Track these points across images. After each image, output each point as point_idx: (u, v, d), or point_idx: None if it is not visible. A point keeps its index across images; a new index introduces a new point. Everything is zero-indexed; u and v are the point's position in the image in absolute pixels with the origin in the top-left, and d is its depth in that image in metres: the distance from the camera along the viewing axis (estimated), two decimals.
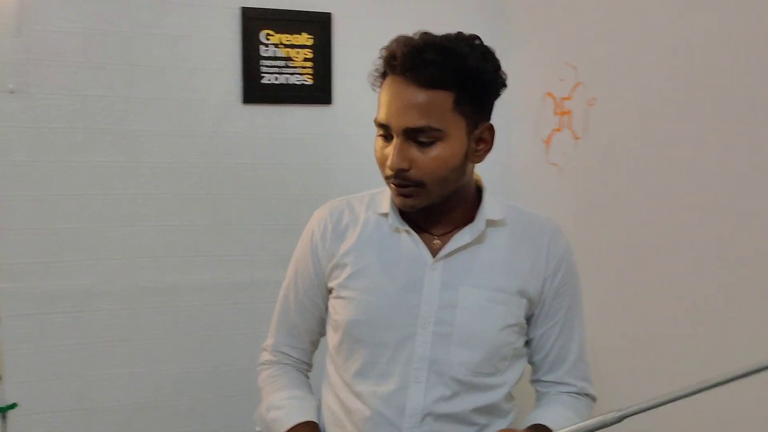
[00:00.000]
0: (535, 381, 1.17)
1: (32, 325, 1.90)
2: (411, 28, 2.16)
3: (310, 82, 2.06)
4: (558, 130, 1.98)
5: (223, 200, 2.04)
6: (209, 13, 2.01)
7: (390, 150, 0.98)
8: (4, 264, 1.87)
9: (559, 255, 1.10)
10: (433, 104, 0.96)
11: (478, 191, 1.10)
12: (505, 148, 2.29)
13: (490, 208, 1.08)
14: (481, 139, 1.03)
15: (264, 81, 2.02)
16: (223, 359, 2.05)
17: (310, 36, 2.05)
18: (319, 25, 2.05)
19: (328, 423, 1.12)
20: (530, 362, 1.16)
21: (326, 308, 1.15)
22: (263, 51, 2.02)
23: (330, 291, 1.13)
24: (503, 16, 2.25)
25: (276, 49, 2.03)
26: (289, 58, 2.04)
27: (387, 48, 1.00)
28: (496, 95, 1.04)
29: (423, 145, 0.97)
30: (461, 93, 0.96)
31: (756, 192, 1.29)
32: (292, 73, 2.04)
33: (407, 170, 0.98)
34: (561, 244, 1.12)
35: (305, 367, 1.21)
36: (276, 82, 2.04)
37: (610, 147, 1.75)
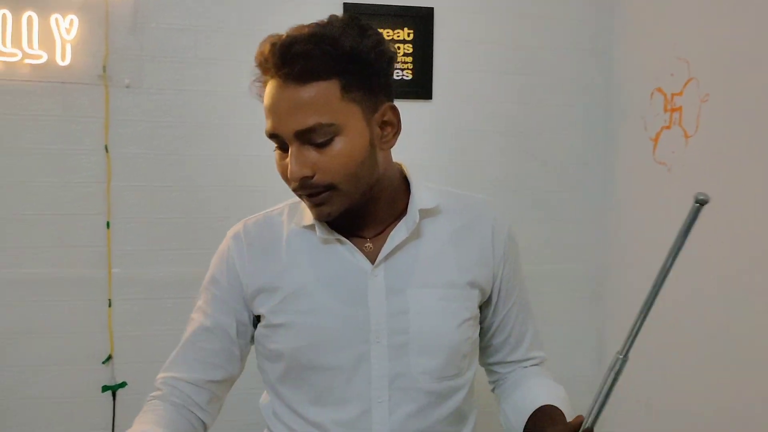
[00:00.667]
0: (495, 363, 1.12)
1: (140, 309, 2.00)
2: (513, 22, 2.16)
3: (409, 76, 2.08)
4: (667, 127, 1.92)
5: None
6: (312, 9, 2.04)
7: (288, 160, 0.89)
8: (116, 250, 1.98)
9: (504, 238, 1.05)
10: (317, 98, 0.87)
11: (405, 182, 1.02)
12: (607, 146, 2.24)
13: (420, 197, 0.99)
14: (385, 122, 0.94)
15: None
16: None
17: (410, 30, 2.07)
18: (421, 19, 2.06)
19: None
20: (486, 346, 1.11)
21: (239, 339, 1.03)
22: None
23: (257, 319, 1.02)
24: (610, 8, 2.19)
25: None
26: None
27: (257, 51, 0.91)
28: (387, 72, 0.93)
29: (321, 146, 0.88)
30: (345, 79, 0.88)
31: None
32: (381, 43, 2.06)
33: (311, 177, 0.89)
34: (504, 224, 1.06)
35: (197, 410, 1.01)
36: None
37: (723, 146, 1.68)
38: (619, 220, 2.17)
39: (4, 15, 1.88)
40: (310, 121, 0.86)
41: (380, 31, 1.99)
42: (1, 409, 1.93)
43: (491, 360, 1.12)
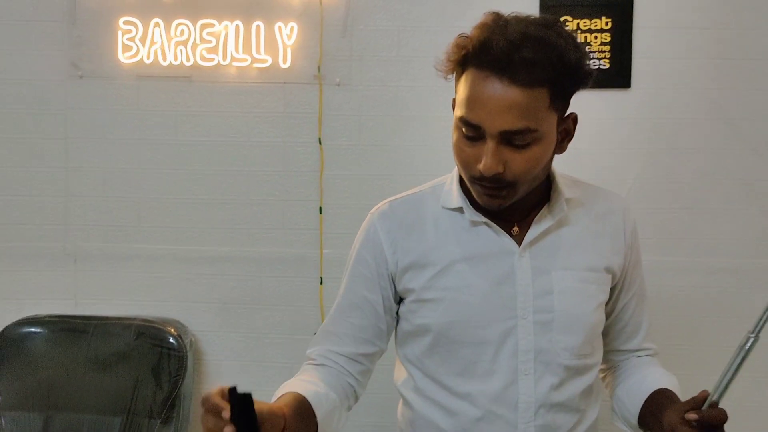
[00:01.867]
0: (610, 350, 1.18)
1: None
2: (720, 7, 2.10)
3: (606, 65, 2.11)
4: None
5: None
6: (510, 3, 2.14)
7: (478, 151, 0.95)
8: (327, 233, 2.23)
9: (633, 228, 1.12)
10: (531, 104, 0.92)
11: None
12: None
13: (565, 187, 1.07)
14: (566, 131, 1.01)
15: None
16: None
17: (608, 20, 2.10)
18: (620, 8, 2.08)
19: (420, 426, 1.10)
20: (604, 332, 1.14)
21: (386, 315, 1.11)
22: None
23: (403, 294, 1.09)
24: None
25: (574, 35, 2.11)
26: (587, 43, 2.10)
27: (473, 37, 0.95)
28: (585, 86, 0.99)
29: (518, 147, 0.94)
30: (556, 89, 0.93)
31: None
32: (590, 58, 2.11)
33: (502, 173, 0.95)
34: (632, 216, 1.13)
35: (351, 379, 1.11)
36: None
37: None
38: None
39: (237, 26, 2.19)
40: (520, 124, 0.93)
41: (577, 20, 2.05)
42: (236, 369, 2.27)
43: (607, 347, 1.18)
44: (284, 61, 2.20)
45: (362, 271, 1.12)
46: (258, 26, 2.18)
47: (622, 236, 1.12)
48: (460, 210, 1.08)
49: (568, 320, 1.05)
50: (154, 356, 2.05)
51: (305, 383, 1.03)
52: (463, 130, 0.98)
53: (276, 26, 2.19)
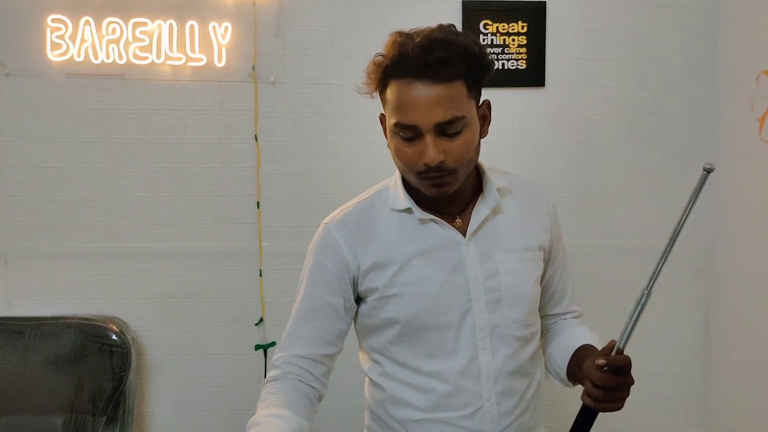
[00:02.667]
0: (542, 316, 1.34)
1: (288, 277, 2.34)
2: (624, 14, 2.36)
3: (524, 66, 2.32)
4: None
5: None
6: (434, 8, 2.32)
7: (418, 149, 1.09)
8: (266, 227, 2.34)
9: (552, 206, 1.31)
10: (453, 96, 1.07)
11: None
12: (714, 126, 2.41)
13: (494, 178, 1.23)
14: (483, 116, 1.17)
15: None
16: None
17: (524, 24, 2.31)
18: (534, 13, 2.30)
19: (392, 405, 1.22)
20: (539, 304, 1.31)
21: (347, 316, 1.21)
22: (482, 39, 2.31)
23: (364, 294, 1.20)
24: None
25: (493, 37, 2.31)
26: (505, 45, 2.31)
27: (388, 54, 1.09)
28: (491, 72, 1.14)
29: (451, 136, 1.09)
30: (470, 79, 1.09)
31: None
32: (507, 59, 2.32)
33: (444, 161, 1.08)
34: (550, 197, 1.32)
35: (314, 382, 1.19)
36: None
37: None
38: (727, 196, 2.35)
39: (170, 25, 2.24)
40: (449, 114, 1.07)
41: (497, 24, 2.24)
42: (176, 363, 2.33)
43: (540, 313, 1.34)
44: (219, 60, 2.27)
45: (323, 277, 1.21)
46: (192, 25, 2.25)
47: (546, 215, 1.29)
48: (408, 210, 1.20)
49: (514, 296, 1.20)
50: (96, 354, 2.10)
51: (279, 423, 1.08)
52: (400, 134, 1.10)
53: (210, 26, 2.26)
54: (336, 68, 2.32)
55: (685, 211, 0.99)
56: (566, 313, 1.38)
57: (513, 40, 2.31)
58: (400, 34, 1.11)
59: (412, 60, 1.06)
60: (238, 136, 2.31)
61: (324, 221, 1.27)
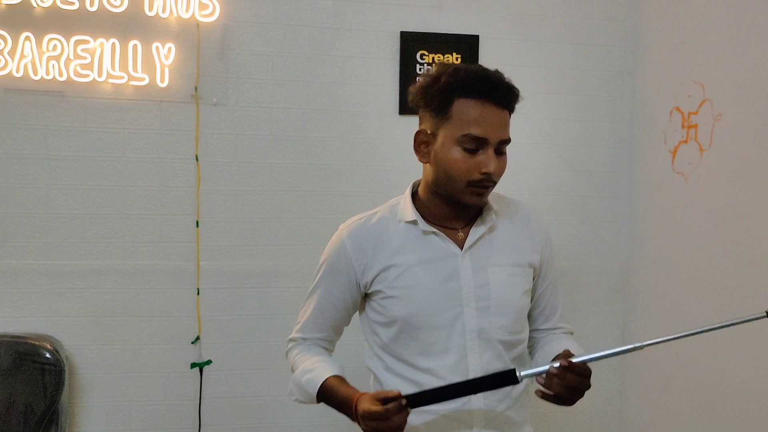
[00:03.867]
0: (533, 330, 1.51)
1: (225, 296, 2.42)
2: (551, 49, 2.56)
3: None
4: (684, 142, 2.30)
5: (381, 198, 2.46)
6: (373, 37, 2.47)
7: (478, 160, 1.28)
8: (204, 246, 2.40)
9: (545, 229, 1.48)
10: (508, 122, 1.33)
11: None
12: (632, 156, 2.62)
13: (493, 201, 1.42)
14: None
15: None
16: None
17: (458, 55, 2.47)
18: (468, 46, 2.47)
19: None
20: (528, 316, 1.48)
21: (352, 310, 1.44)
22: (418, 69, 2.46)
23: (371, 293, 1.39)
24: (636, 35, 2.58)
25: (429, 66, 2.47)
26: None
27: (466, 74, 1.28)
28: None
29: (500, 154, 1.32)
30: (510, 112, 1.34)
31: None
32: None
33: (494, 174, 1.30)
34: (544, 220, 1.50)
35: (329, 348, 1.49)
36: None
37: (733, 159, 2.05)
38: (643, 222, 2.56)
39: (113, 44, 2.30)
40: (507, 135, 1.32)
41: (432, 55, 2.38)
42: (109, 382, 2.35)
43: (531, 327, 1.51)
44: (162, 80, 2.34)
45: (335, 277, 1.42)
46: (135, 45, 2.31)
47: (537, 238, 1.46)
48: (414, 222, 1.38)
49: (502, 305, 1.37)
50: (29, 372, 2.11)
51: (329, 362, 1.40)
52: (465, 145, 1.29)
53: (153, 46, 2.33)
54: (277, 92, 2.43)
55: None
56: (556, 329, 1.53)
57: None
58: (449, 64, 1.35)
59: (491, 83, 1.29)
60: (179, 156, 2.38)
61: (341, 226, 1.46)
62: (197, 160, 2.38)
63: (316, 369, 1.37)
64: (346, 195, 2.47)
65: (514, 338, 1.41)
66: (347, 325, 1.51)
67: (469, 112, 1.28)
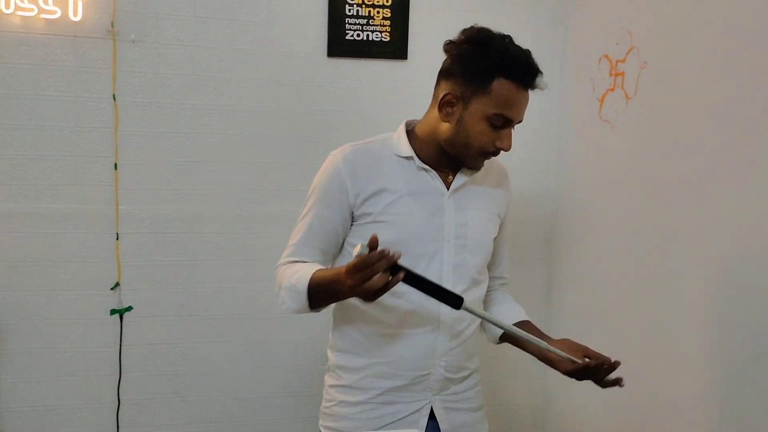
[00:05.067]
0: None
1: (146, 241, 2.38)
2: None
3: (387, 38, 2.46)
4: (612, 89, 2.33)
5: (308, 142, 2.47)
6: None
7: (497, 135, 1.41)
8: (123, 189, 2.35)
9: (510, 185, 1.66)
10: None
11: None
12: (561, 105, 2.65)
13: None
14: None
15: (347, 37, 2.43)
16: None
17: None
18: None
19: (361, 321, 1.50)
20: None
21: (342, 234, 1.50)
22: (348, 10, 2.42)
23: (358, 217, 1.47)
24: None
25: (359, 8, 2.43)
26: (370, 17, 2.43)
27: (516, 59, 1.38)
28: None
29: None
30: None
31: None
32: (372, 31, 2.44)
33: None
34: (511, 180, 1.66)
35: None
36: (357, 39, 2.44)
37: (657, 107, 2.09)
38: (570, 171, 2.60)
39: None
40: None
41: None
42: (24, 329, 2.31)
43: None
44: (75, 14, 2.25)
45: (328, 201, 1.47)
46: None
47: (506, 193, 1.64)
48: (409, 158, 1.48)
49: (476, 245, 1.51)
50: None
51: (309, 265, 1.45)
52: (494, 122, 1.40)
53: None
54: (200, 30, 2.36)
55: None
56: (500, 277, 1.73)
57: (378, 12, 2.44)
58: (498, 34, 1.44)
59: (532, 71, 1.38)
60: (95, 95, 2.31)
61: (334, 152, 1.50)
62: (115, 99, 2.32)
63: (304, 269, 1.42)
64: (273, 138, 2.45)
65: (481, 277, 1.57)
66: (335, 252, 1.54)
67: (507, 94, 1.38)
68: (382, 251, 1.20)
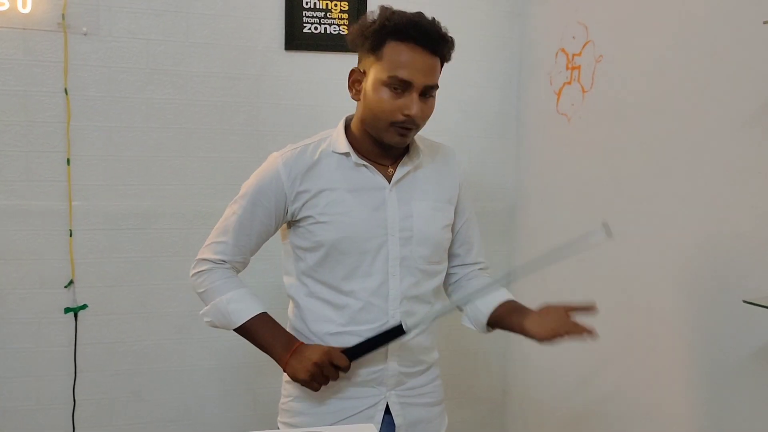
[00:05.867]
0: (456, 266, 1.68)
1: (100, 238, 2.36)
2: None
3: (345, 32, 2.46)
4: (568, 83, 2.37)
5: (266, 136, 2.47)
6: None
7: (402, 102, 1.38)
8: (77, 185, 2.32)
9: (462, 168, 1.64)
10: (437, 68, 1.42)
11: None
12: (519, 98, 2.69)
13: (419, 142, 1.56)
14: None
15: (305, 30, 2.43)
16: (267, 273, 2.41)
17: None
18: None
19: (312, 321, 1.52)
20: (450, 253, 1.66)
21: (271, 235, 1.53)
22: (305, 2, 2.42)
23: (301, 220, 1.48)
24: None
25: (316, 1, 2.43)
26: (327, 10, 2.44)
27: (391, 18, 1.37)
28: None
29: (426, 98, 1.41)
30: (443, 61, 1.45)
31: (743, 144, 1.62)
32: (330, 24, 2.45)
33: (417, 116, 1.40)
34: (461, 161, 1.65)
35: (242, 270, 1.59)
36: (315, 32, 2.44)
37: (612, 101, 2.13)
38: (529, 164, 2.64)
39: None
40: (434, 81, 1.40)
41: None
42: None
43: (455, 263, 1.68)
44: (23, 6, 2.22)
45: (262, 202, 1.48)
46: None
47: (456, 176, 1.61)
48: (347, 154, 1.48)
49: (423, 236, 1.51)
50: None
51: (250, 298, 1.53)
52: (392, 86, 1.37)
53: None
54: (154, 23, 2.34)
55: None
56: (476, 263, 1.70)
57: (336, 5, 2.44)
58: (389, 8, 1.42)
59: (424, 29, 1.36)
60: (46, 89, 2.27)
61: (274, 154, 1.51)
62: (66, 93, 2.29)
63: (246, 302, 1.49)
64: (230, 133, 2.44)
65: (432, 268, 1.56)
66: (256, 250, 1.58)
67: (398, 55, 1.36)
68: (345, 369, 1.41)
